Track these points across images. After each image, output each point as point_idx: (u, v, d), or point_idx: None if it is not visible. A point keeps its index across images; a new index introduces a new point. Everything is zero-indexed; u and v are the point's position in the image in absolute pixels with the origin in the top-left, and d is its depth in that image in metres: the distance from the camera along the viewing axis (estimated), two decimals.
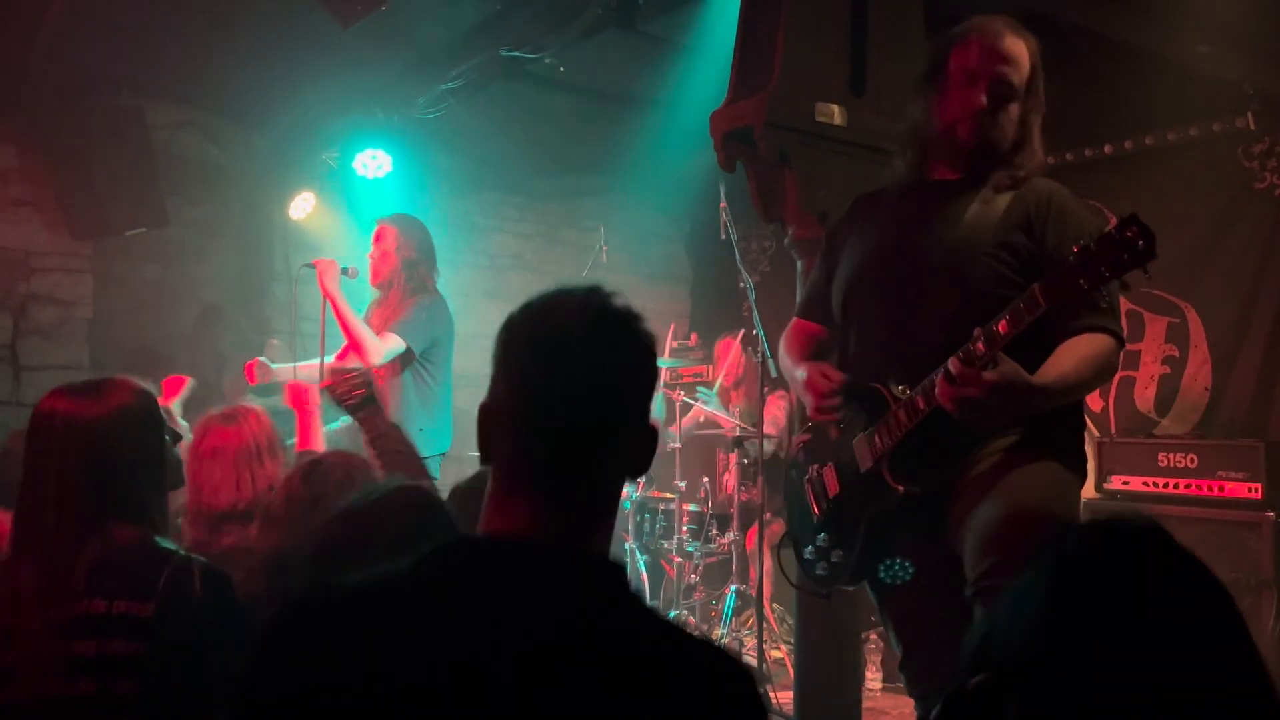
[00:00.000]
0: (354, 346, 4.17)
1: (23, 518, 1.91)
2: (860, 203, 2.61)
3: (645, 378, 1.26)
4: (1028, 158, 2.34)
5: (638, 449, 1.26)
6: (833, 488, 2.45)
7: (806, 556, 2.51)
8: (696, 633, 1.19)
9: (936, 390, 2.11)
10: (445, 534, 1.40)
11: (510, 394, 1.22)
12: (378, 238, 4.38)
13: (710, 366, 6.03)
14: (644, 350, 1.26)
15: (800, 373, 2.49)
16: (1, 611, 1.81)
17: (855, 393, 2.37)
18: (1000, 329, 2.05)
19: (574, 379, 1.19)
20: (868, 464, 2.32)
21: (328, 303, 4.17)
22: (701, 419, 5.64)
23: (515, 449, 1.21)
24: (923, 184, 2.44)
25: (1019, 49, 2.34)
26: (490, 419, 1.24)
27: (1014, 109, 2.33)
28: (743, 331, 5.89)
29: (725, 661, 1.15)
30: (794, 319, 2.71)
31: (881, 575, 2.37)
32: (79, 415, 1.92)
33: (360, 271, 4.40)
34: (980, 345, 2.06)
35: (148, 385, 2.08)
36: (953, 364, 2.07)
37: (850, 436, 2.38)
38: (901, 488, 2.26)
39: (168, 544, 1.94)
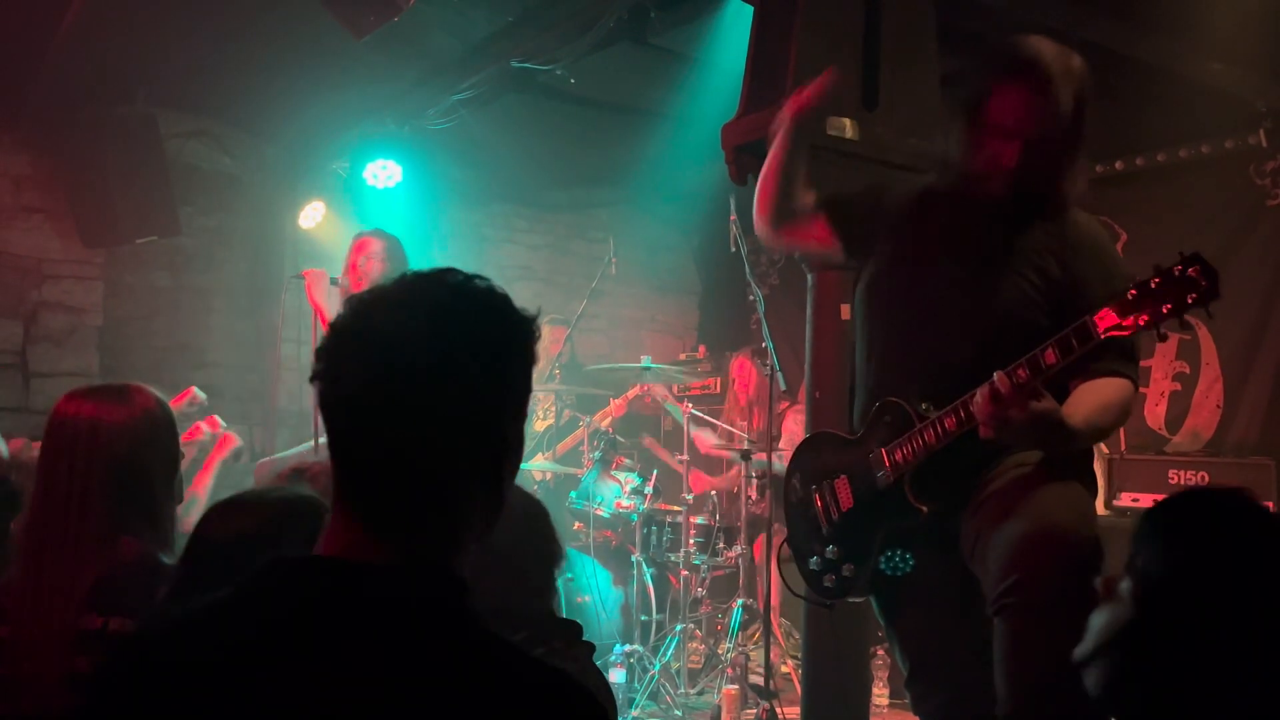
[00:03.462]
0: None
1: (36, 525, 1.85)
2: (910, 196, 2.46)
3: (488, 375, 1.05)
4: (1068, 186, 2.28)
5: (486, 463, 1.07)
6: (846, 501, 2.42)
7: (812, 567, 2.49)
8: (534, 657, 1.05)
9: (976, 404, 2.06)
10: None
11: (324, 398, 1.06)
12: (361, 248, 4.35)
13: (721, 379, 6.01)
14: (484, 344, 1.05)
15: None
16: (9, 622, 1.77)
17: (875, 405, 2.36)
18: (1047, 358, 2.02)
19: (378, 378, 1.02)
20: (887, 480, 2.30)
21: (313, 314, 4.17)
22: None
23: (334, 459, 1.06)
24: (961, 199, 2.35)
25: (1064, 95, 2.18)
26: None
27: (1052, 151, 2.21)
28: (750, 348, 5.87)
29: (563, 684, 1.01)
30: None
31: (890, 576, 2.36)
32: (102, 419, 1.87)
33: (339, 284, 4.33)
34: (1023, 371, 2.03)
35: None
36: (1001, 383, 2.01)
37: (866, 449, 2.37)
38: (926, 508, 2.25)
39: (169, 559, 1.88)
